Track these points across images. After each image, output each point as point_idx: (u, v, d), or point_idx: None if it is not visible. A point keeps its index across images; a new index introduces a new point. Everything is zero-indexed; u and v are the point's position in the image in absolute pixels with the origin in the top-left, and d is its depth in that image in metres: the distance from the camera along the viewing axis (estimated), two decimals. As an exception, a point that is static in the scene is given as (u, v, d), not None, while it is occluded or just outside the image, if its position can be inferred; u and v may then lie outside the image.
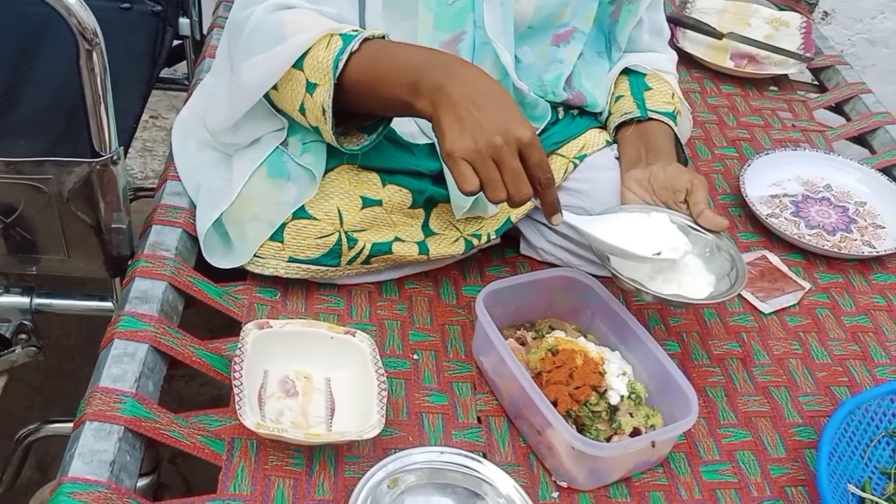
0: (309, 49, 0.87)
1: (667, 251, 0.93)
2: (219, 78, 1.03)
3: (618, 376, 0.90)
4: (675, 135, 1.12)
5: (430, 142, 1.02)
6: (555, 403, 0.87)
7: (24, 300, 1.01)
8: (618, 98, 1.16)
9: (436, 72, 0.82)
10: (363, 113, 0.93)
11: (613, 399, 0.88)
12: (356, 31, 0.88)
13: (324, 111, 0.88)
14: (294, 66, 0.87)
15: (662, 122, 1.11)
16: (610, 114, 1.17)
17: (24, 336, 1.00)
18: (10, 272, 1.05)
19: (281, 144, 0.98)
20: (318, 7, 0.92)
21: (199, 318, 0.99)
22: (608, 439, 0.88)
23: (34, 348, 1.02)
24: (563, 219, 0.87)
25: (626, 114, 1.12)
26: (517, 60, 1.06)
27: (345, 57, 0.85)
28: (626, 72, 1.18)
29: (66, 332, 1.58)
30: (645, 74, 1.17)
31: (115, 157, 0.89)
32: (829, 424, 0.92)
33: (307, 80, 0.87)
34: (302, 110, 0.90)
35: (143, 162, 2.05)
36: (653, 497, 0.88)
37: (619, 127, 1.14)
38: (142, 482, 1.06)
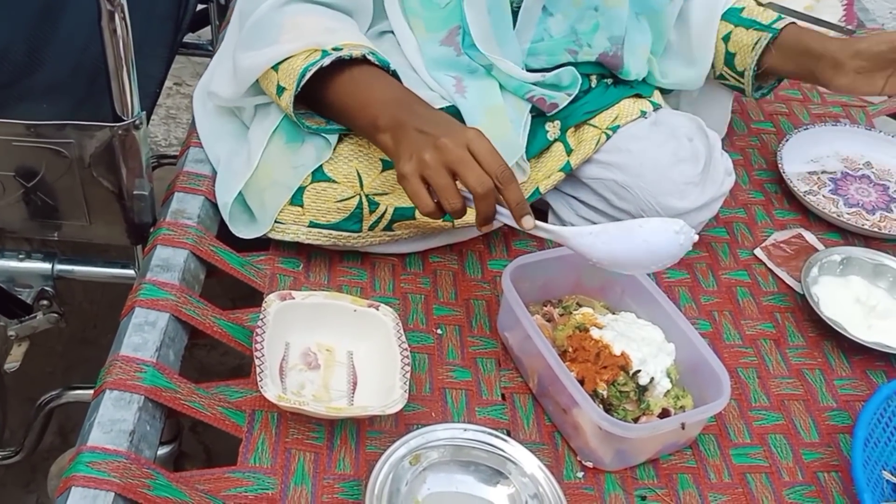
0: (290, 56, 0.90)
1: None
2: (227, 51, 1.01)
3: (656, 356, 0.87)
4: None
5: (449, 104, 0.99)
6: (581, 382, 0.85)
7: (46, 266, 1.00)
8: (732, 55, 1.13)
9: (396, 110, 0.86)
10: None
11: (643, 380, 0.85)
12: (340, 48, 0.89)
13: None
14: (272, 67, 0.91)
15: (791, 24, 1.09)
16: (736, 70, 1.14)
17: (45, 302, 0.99)
18: (32, 237, 1.04)
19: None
20: None
21: (220, 287, 0.98)
22: (636, 420, 0.86)
23: (56, 315, 1.01)
24: (534, 224, 0.84)
25: (753, 48, 1.10)
26: (545, 11, 1.02)
27: (312, 70, 0.88)
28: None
29: (88, 299, 1.58)
30: (735, 8, 1.14)
31: (137, 122, 0.87)
32: (865, 409, 0.89)
33: (278, 82, 0.90)
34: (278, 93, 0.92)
35: (167, 129, 2.03)
36: (680, 479, 0.86)
37: (761, 62, 1.11)
38: (162, 451, 1.06)
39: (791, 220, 1.21)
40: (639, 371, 0.85)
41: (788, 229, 1.19)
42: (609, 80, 1.10)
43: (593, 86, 1.09)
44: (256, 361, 0.79)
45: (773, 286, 1.10)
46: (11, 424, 1.23)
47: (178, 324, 0.83)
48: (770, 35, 1.10)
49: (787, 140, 1.30)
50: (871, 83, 1.05)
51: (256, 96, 0.97)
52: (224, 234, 0.97)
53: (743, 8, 1.14)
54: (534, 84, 1.01)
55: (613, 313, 0.96)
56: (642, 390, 0.86)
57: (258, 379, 0.77)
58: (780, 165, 1.25)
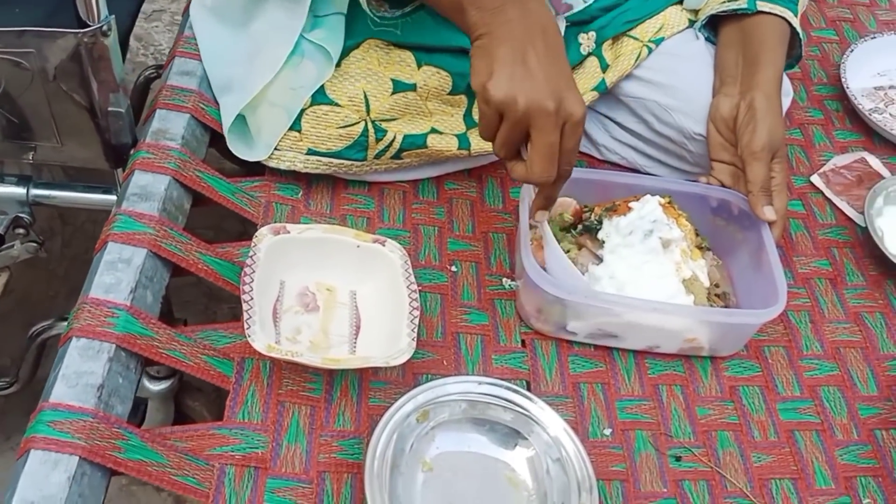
0: None
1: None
2: None
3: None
4: (794, 27, 0.89)
5: None
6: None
7: (20, 191, 0.90)
8: None
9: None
10: None
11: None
12: None
13: None
14: None
15: (777, 16, 0.87)
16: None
17: (21, 230, 0.90)
18: (8, 159, 0.94)
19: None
20: None
21: (209, 219, 0.88)
22: None
23: (34, 244, 0.92)
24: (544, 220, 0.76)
25: (727, 1, 0.89)
26: None
27: None
28: None
29: (91, 220, 1.51)
30: None
31: (105, 28, 0.76)
32: (935, 362, 0.78)
33: None
34: None
35: (172, 37, 1.90)
36: (720, 437, 0.77)
37: (717, 19, 0.92)
38: (160, 386, 0.99)
39: (854, 143, 1.07)
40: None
41: (850, 153, 1.06)
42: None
43: (635, -9, 0.95)
44: (244, 306, 0.70)
45: (830, 218, 0.98)
46: (11, 352, 1.17)
47: (156, 261, 0.73)
48: (746, 8, 0.88)
49: (852, 51, 1.15)
50: (716, 150, 0.88)
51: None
52: (213, 158, 0.87)
53: None
54: None
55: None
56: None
57: (245, 326, 0.68)
58: (842, 80, 1.11)
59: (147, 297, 0.71)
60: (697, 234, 0.85)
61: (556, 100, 0.65)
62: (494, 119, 0.67)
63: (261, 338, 0.68)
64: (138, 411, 1.06)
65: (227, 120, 0.84)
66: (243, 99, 0.82)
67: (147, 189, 0.77)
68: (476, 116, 0.90)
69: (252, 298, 0.71)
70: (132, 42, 1.74)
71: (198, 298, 1.36)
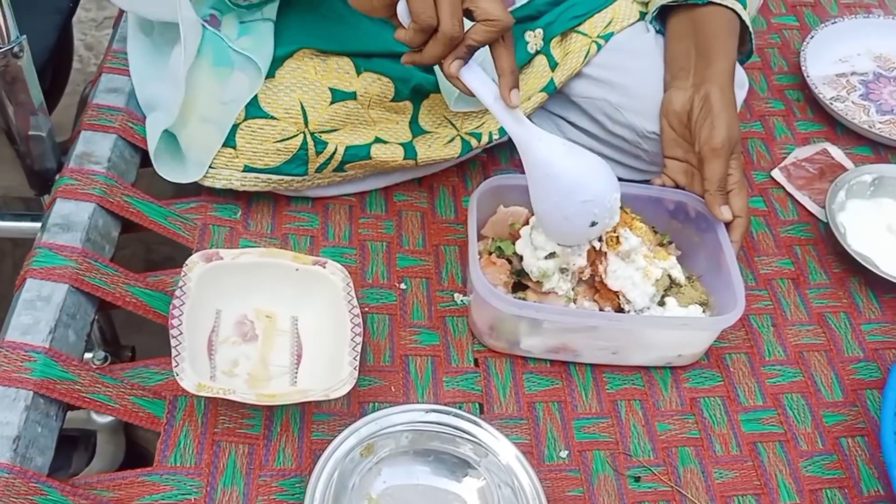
0: None
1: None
2: None
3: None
4: (744, 21, 0.86)
5: None
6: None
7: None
8: None
9: None
10: None
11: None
12: None
13: None
14: None
15: (726, 7, 0.84)
16: None
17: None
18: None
19: (209, 23, 0.79)
20: None
21: (145, 244, 0.84)
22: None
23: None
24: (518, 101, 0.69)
25: None
26: None
27: None
28: None
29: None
30: None
31: (15, 49, 0.71)
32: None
33: None
34: None
35: (123, 42, 1.84)
36: (681, 453, 0.74)
37: (667, 10, 0.89)
38: (107, 418, 0.94)
39: (815, 133, 1.05)
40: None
41: (812, 144, 1.03)
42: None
43: (583, -17, 0.91)
44: (172, 341, 0.66)
45: (792, 214, 0.96)
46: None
47: (80, 296, 0.69)
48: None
49: (812, 37, 1.12)
50: (670, 146, 0.85)
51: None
52: (148, 178, 0.83)
53: None
54: None
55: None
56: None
57: (174, 363, 0.64)
58: (803, 68, 1.08)
59: (69, 336, 0.67)
60: (656, 232, 0.82)
61: None
62: None
63: (190, 375, 0.64)
64: (88, 445, 1.02)
65: (152, 141, 0.80)
66: (167, 118, 0.78)
67: (70, 218, 0.73)
68: (423, 124, 0.86)
69: (182, 333, 0.67)
70: (84, 52, 1.67)
71: (150, 323, 1.32)
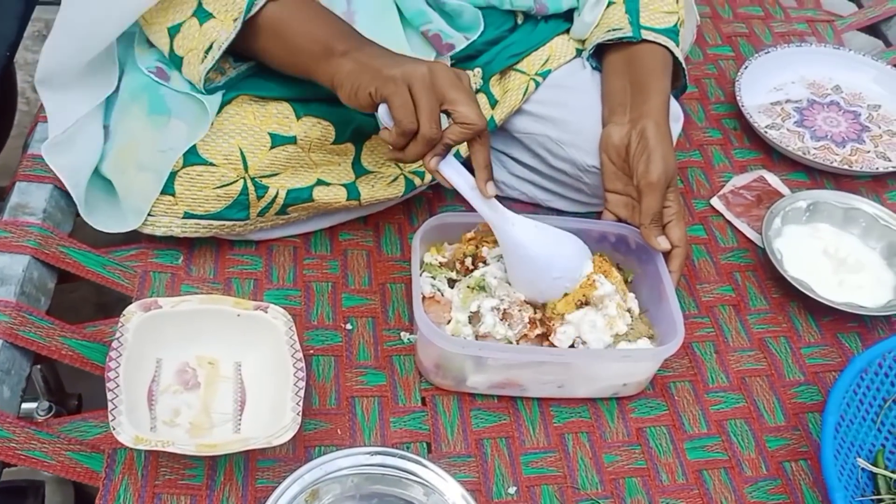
0: None
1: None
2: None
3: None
4: (676, 57, 0.88)
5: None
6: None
7: None
8: (609, 3, 0.90)
9: (349, 40, 0.74)
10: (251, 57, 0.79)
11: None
12: None
13: (209, 49, 0.74)
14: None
15: (659, 45, 0.87)
16: (591, 23, 0.91)
17: None
18: None
19: (156, 75, 0.79)
20: None
21: (96, 287, 0.82)
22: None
23: None
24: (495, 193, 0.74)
25: (613, 30, 0.88)
26: None
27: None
28: None
29: None
30: None
31: (-56, 102, 0.70)
32: (835, 389, 0.77)
33: (200, 4, 0.74)
34: (174, 30, 0.72)
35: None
36: (628, 484, 0.75)
37: (603, 48, 0.90)
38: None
39: (752, 161, 1.07)
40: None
41: (749, 171, 1.06)
42: (538, 17, 0.93)
43: (520, 23, 0.93)
44: (109, 394, 0.65)
45: (732, 241, 0.98)
46: None
47: (14, 351, 0.68)
48: (631, 36, 0.87)
49: (747, 67, 1.16)
50: (610, 179, 0.87)
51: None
52: (87, 229, 0.82)
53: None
54: (432, 6, 0.85)
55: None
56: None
57: (110, 417, 0.63)
58: (737, 97, 1.11)
59: (3, 392, 0.66)
60: (621, 269, 0.84)
61: (425, 64, 0.70)
62: (409, 98, 0.69)
63: (127, 428, 0.63)
64: (38, 495, 0.99)
65: (76, 188, 0.79)
66: (88, 158, 0.78)
67: (3, 272, 0.72)
68: (365, 164, 0.87)
69: (118, 385, 0.66)
70: (31, 94, 1.65)
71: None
